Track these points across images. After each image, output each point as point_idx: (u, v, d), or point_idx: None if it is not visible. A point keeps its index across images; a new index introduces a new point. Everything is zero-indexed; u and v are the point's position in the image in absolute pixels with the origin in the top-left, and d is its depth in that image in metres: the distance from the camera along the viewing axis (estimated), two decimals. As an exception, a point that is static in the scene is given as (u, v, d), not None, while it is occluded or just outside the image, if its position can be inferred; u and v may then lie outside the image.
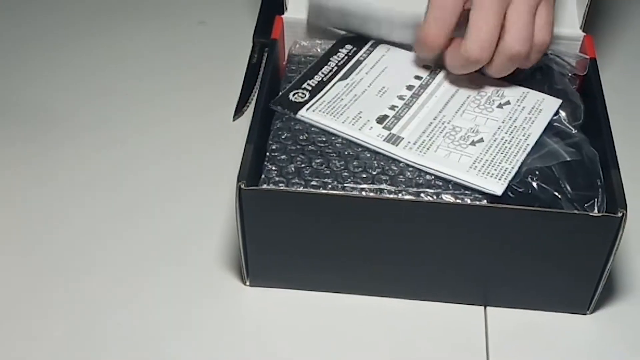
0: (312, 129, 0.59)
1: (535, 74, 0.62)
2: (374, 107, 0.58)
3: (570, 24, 0.65)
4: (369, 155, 0.57)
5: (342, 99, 0.59)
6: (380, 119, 0.58)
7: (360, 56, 0.62)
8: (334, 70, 0.61)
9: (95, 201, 0.64)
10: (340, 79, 0.61)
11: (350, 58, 0.62)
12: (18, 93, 0.72)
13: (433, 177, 0.55)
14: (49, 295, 0.58)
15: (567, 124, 0.59)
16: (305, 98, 0.59)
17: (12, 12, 0.79)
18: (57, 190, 0.65)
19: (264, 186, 0.55)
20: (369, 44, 0.63)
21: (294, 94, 0.59)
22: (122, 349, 0.55)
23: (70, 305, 0.58)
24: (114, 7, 0.81)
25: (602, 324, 0.57)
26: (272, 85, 0.61)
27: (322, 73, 0.61)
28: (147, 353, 0.55)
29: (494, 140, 0.56)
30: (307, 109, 0.58)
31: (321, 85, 0.60)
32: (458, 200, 0.54)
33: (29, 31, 0.78)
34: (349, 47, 0.63)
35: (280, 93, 0.60)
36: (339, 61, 0.62)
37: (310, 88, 0.60)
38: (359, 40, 0.64)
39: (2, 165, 0.67)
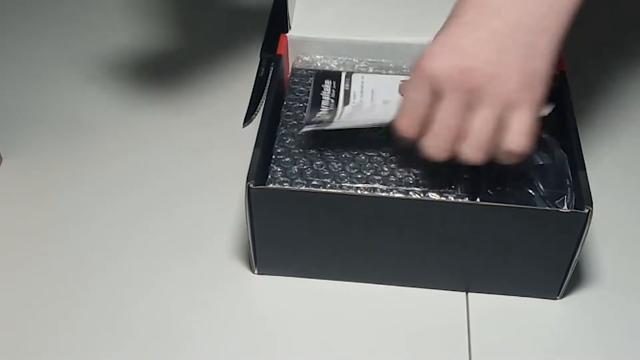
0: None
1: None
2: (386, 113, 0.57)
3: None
4: (363, 158, 0.58)
5: (355, 114, 0.59)
6: None
7: (345, 86, 0.62)
8: (332, 102, 0.61)
9: (122, 199, 0.65)
10: (344, 105, 0.61)
11: (338, 90, 0.62)
12: (54, 105, 0.73)
13: (420, 177, 0.56)
14: (83, 279, 0.60)
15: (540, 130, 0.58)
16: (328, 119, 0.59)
17: (53, 39, 0.80)
18: (88, 189, 0.66)
19: (271, 185, 0.56)
20: (344, 75, 0.63)
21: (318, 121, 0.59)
22: (147, 328, 0.57)
23: (101, 289, 0.59)
24: (139, 30, 0.81)
25: (570, 308, 0.58)
26: (277, 95, 0.62)
27: (325, 106, 0.61)
28: (168, 330, 0.57)
29: None
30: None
31: (332, 113, 0.60)
32: (443, 198, 0.55)
33: (63, 54, 0.79)
34: (328, 82, 0.63)
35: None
36: (331, 94, 0.62)
37: (326, 113, 0.60)
38: (332, 74, 0.64)
39: (40, 167, 0.68)
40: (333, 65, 0.66)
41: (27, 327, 0.56)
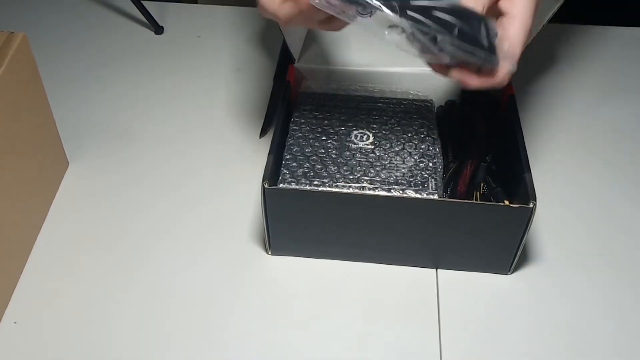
0: (316, 144, 0.58)
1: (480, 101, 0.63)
2: None
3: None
4: (354, 162, 0.57)
5: None
6: None
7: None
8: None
9: (165, 196, 0.64)
10: None
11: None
12: (111, 120, 0.71)
13: (399, 178, 0.55)
14: (137, 258, 0.59)
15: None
16: None
17: (109, 67, 0.77)
18: (138, 188, 0.65)
19: (281, 185, 0.56)
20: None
21: None
22: (188, 292, 0.57)
23: (150, 268, 0.59)
24: (177, 59, 0.79)
25: (517, 281, 0.58)
26: (286, 113, 0.62)
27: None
28: (203, 294, 0.57)
29: None
30: None
31: None
32: (418, 195, 0.55)
33: (116, 78, 0.76)
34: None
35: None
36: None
37: None
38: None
39: (99, 170, 0.66)
40: (329, 90, 0.64)
41: (105, 285, 0.57)
